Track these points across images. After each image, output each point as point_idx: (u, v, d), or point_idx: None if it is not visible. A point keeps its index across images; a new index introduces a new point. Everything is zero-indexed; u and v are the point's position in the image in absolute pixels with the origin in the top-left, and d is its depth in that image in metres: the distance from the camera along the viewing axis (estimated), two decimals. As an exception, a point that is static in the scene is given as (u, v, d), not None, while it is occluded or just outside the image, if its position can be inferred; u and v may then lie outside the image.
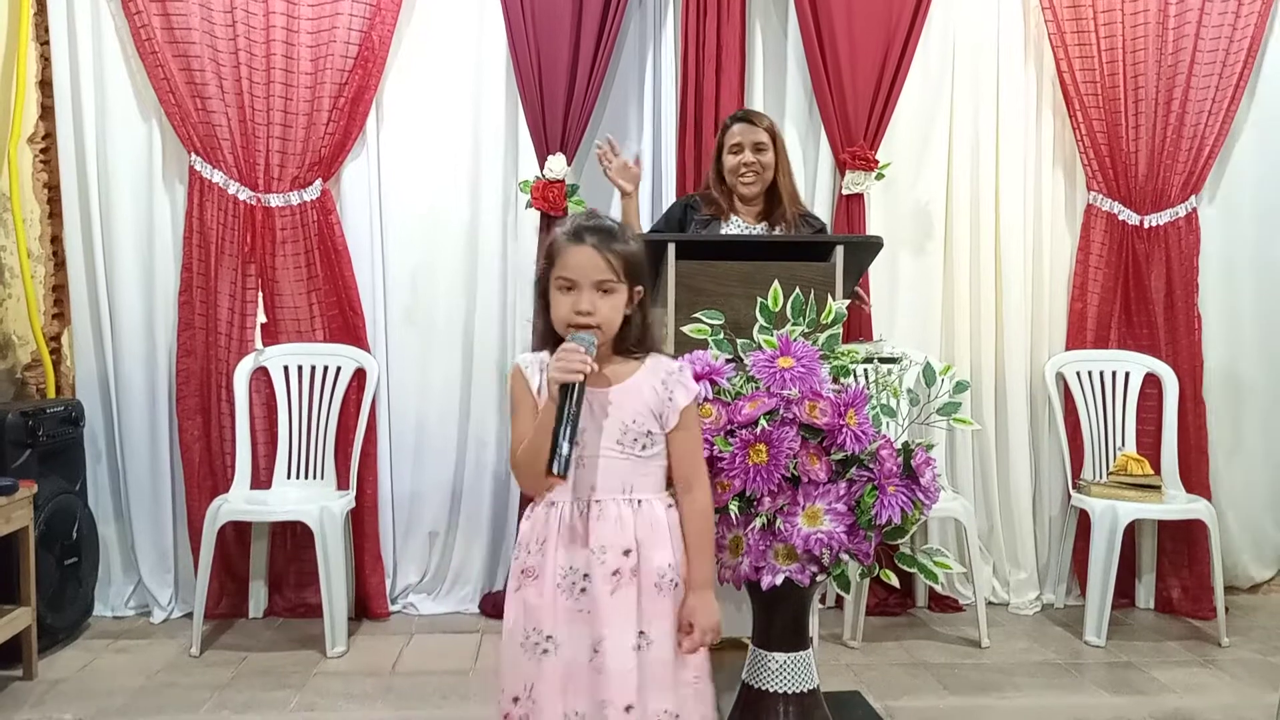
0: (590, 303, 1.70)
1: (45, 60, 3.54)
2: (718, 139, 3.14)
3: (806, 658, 2.07)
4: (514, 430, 1.78)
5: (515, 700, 1.72)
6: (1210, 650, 3.35)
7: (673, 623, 1.73)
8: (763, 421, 1.93)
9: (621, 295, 1.73)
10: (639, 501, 1.73)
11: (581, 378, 1.64)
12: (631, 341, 1.78)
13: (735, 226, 3.08)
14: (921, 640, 3.43)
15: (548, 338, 1.77)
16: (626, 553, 1.70)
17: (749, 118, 3.08)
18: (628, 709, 1.66)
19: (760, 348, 2.04)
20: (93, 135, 3.50)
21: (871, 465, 1.96)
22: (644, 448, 1.75)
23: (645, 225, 3.38)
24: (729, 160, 3.05)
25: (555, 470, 1.61)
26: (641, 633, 1.70)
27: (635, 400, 1.75)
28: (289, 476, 3.53)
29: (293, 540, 3.59)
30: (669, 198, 3.61)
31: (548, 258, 1.75)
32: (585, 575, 1.70)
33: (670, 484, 1.80)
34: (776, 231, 3.05)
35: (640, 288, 1.76)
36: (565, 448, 1.62)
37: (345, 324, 3.57)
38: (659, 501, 1.76)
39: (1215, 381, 3.86)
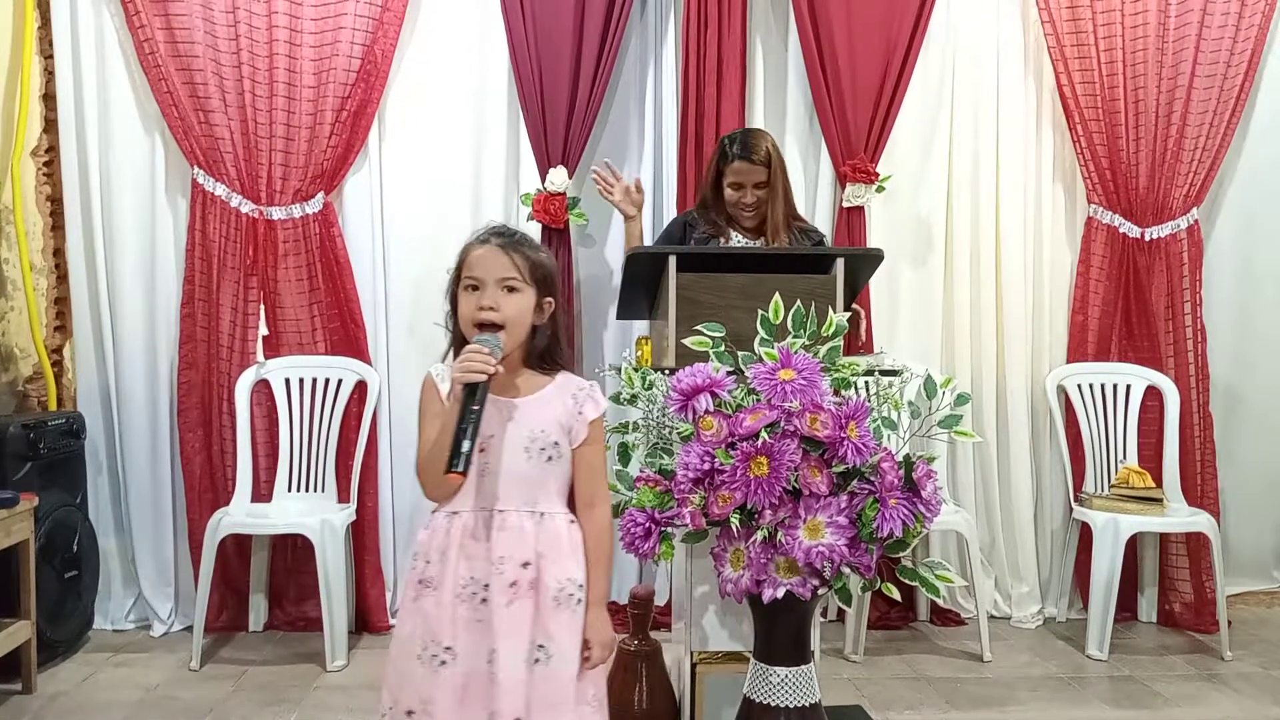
0: (493, 299, 1.71)
1: (49, 74, 3.55)
2: (715, 163, 3.02)
3: (808, 672, 2.06)
4: (420, 437, 1.77)
5: (409, 714, 1.69)
6: (1213, 664, 3.34)
7: (576, 639, 1.72)
8: (764, 434, 1.93)
9: (527, 297, 1.74)
10: (541, 514, 1.74)
11: (485, 378, 1.65)
12: (540, 354, 1.79)
13: (735, 240, 3.08)
14: (923, 654, 3.42)
15: (458, 344, 1.78)
16: (525, 565, 1.70)
17: (749, 153, 2.92)
18: None
19: (761, 360, 2.04)
20: (95, 148, 3.51)
21: (873, 478, 1.95)
22: (549, 459, 1.75)
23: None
24: (729, 194, 2.99)
25: (455, 467, 1.61)
26: (541, 646, 1.69)
27: (544, 412, 1.76)
28: (290, 489, 3.52)
29: (293, 553, 3.58)
30: (670, 210, 3.62)
31: (458, 265, 1.77)
32: (485, 585, 1.69)
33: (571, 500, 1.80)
34: (776, 243, 3.04)
35: (550, 300, 1.78)
36: (466, 445, 1.62)
37: (347, 336, 3.57)
38: (561, 515, 1.76)
39: (1219, 393, 3.86)
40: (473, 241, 1.78)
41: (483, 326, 1.72)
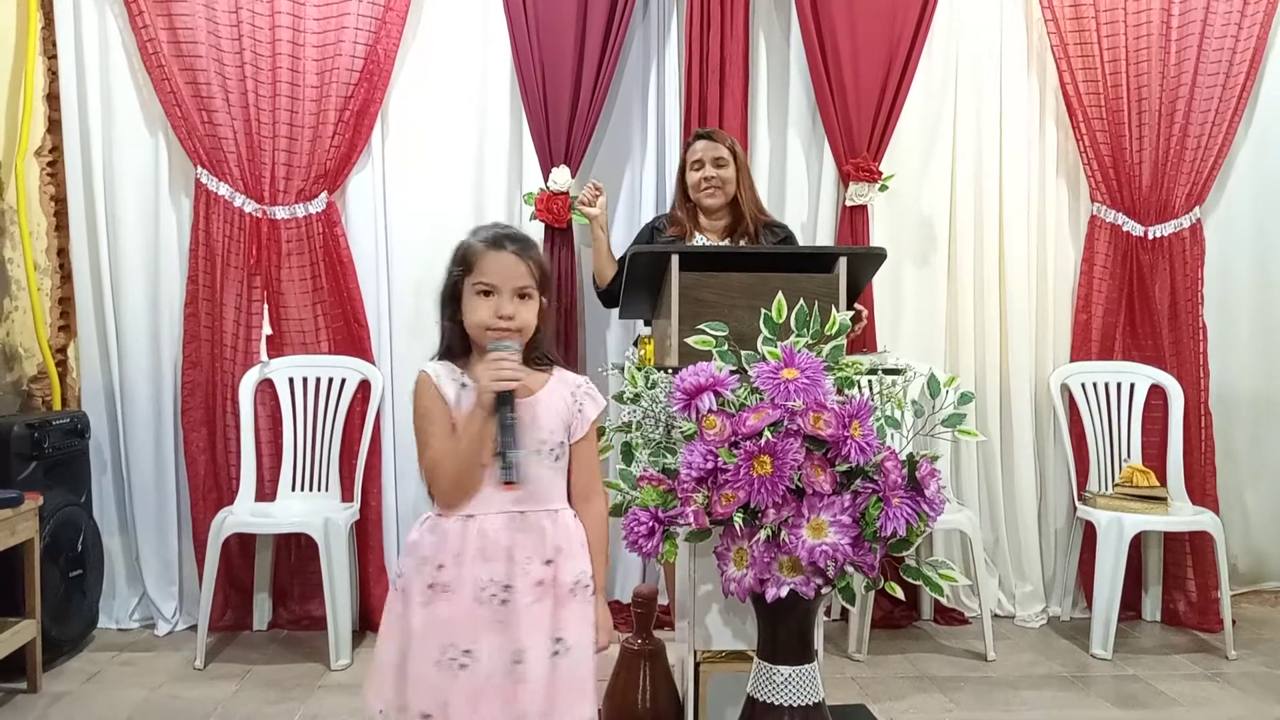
0: (512, 308, 1.73)
1: (52, 74, 3.56)
2: (681, 156, 3.27)
3: (811, 671, 2.06)
4: (427, 440, 1.75)
5: (426, 717, 1.69)
6: (1217, 663, 3.33)
7: (588, 630, 1.75)
8: (767, 433, 1.93)
9: (537, 303, 1.77)
10: (556, 512, 1.77)
11: (515, 385, 1.68)
12: (540, 353, 1.81)
13: (699, 243, 3.13)
14: (927, 653, 3.42)
15: (457, 344, 1.80)
16: (548, 562, 1.73)
17: (710, 135, 3.20)
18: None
19: (764, 359, 2.04)
20: (99, 148, 3.52)
21: (876, 477, 1.95)
22: (557, 458, 1.78)
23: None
24: (691, 176, 3.18)
25: (512, 479, 1.66)
26: (559, 639, 1.71)
27: (549, 412, 1.78)
28: (293, 488, 3.53)
29: (297, 552, 3.59)
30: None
31: (462, 263, 1.77)
32: (506, 586, 1.70)
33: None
34: (742, 244, 3.10)
35: (545, 299, 1.80)
36: (517, 455, 1.66)
37: (350, 336, 3.58)
38: (568, 511, 1.80)
39: (1218, 392, 3.85)
40: (480, 242, 1.76)
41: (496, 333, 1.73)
